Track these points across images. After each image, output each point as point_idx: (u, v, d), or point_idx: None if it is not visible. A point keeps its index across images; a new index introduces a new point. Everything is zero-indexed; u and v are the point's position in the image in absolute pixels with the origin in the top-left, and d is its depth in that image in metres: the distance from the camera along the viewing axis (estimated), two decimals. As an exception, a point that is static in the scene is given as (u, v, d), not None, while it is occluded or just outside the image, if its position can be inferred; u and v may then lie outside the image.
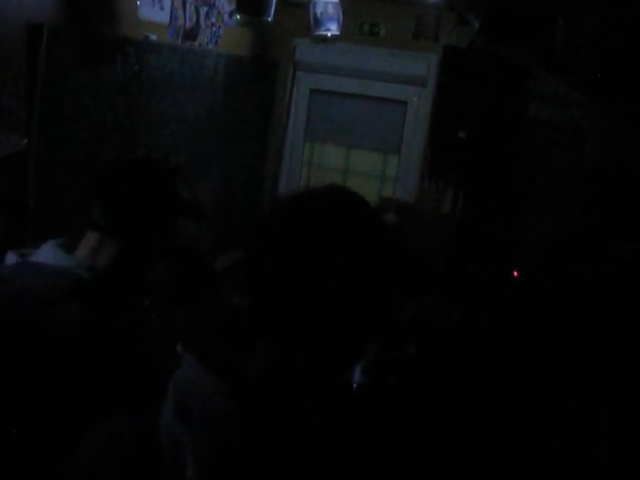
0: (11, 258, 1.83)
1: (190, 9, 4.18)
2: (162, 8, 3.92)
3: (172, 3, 3.99)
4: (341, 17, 4.30)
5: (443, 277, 4.48)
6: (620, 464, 2.76)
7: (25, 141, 3.00)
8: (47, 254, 1.71)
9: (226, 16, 4.58)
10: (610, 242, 3.82)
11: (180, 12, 4.08)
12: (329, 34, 4.32)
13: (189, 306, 2.26)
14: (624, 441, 2.79)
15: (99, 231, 1.71)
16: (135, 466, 1.02)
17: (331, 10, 4.29)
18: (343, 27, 4.36)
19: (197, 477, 0.95)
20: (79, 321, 1.57)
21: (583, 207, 4.58)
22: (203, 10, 4.33)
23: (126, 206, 1.73)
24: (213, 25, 4.48)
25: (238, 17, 3.71)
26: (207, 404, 0.99)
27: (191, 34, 4.25)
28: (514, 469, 2.88)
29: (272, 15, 3.60)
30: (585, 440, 2.88)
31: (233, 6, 4.22)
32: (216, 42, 4.57)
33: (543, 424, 3.01)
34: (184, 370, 1.05)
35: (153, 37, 3.88)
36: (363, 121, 5.84)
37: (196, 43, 4.34)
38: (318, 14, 4.30)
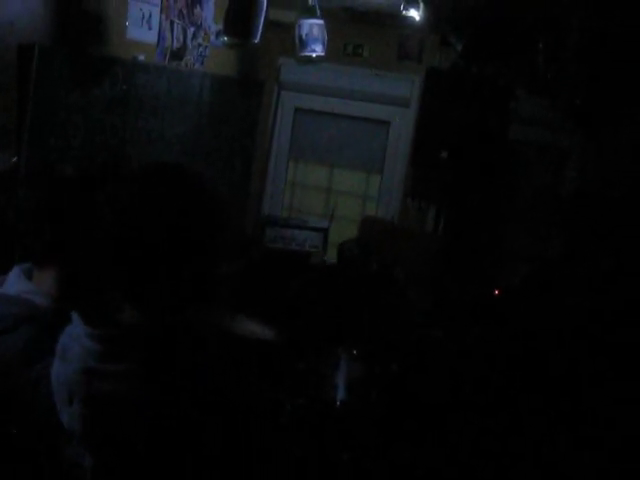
0: None
1: (177, 30, 4.22)
2: (150, 29, 3.96)
3: (160, 24, 4.04)
4: (326, 38, 4.36)
5: (426, 295, 4.52)
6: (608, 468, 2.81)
7: (15, 159, 3.02)
8: (9, 280, 1.73)
9: (212, 36, 4.64)
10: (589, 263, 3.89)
11: (167, 33, 4.13)
12: (314, 55, 4.37)
13: None
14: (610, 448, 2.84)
15: (32, 260, 1.72)
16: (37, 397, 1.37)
17: (316, 31, 4.35)
18: (328, 48, 4.41)
19: (68, 401, 1.24)
20: (22, 348, 1.59)
21: (563, 228, 4.65)
22: (190, 31, 4.38)
23: (49, 232, 1.69)
24: (200, 45, 4.53)
25: (225, 39, 3.75)
26: (79, 345, 1.26)
27: (178, 54, 4.30)
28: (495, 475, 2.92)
29: (259, 37, 3.65)
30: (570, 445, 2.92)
31: (220, 27, 4.27)
32: (202, 62, 4.62)
33: (522, 437, 3.06)
34: (70, 326, 1.33)
35: (141, 57, 3.92)
36: (346, 141, 5.90)
37: (183, 63, 4.39)
38: (303, 35, 4.35)
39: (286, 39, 4.93)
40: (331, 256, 5.20)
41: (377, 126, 5.83)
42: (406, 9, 4.24)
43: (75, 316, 1.34)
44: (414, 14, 4.27)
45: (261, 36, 3.73)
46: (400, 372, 3.68)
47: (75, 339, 1.29)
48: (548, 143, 5.13)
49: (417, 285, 4.58)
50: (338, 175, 6.00)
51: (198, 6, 4.42)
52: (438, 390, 3.44)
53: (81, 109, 3.39)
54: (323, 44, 4.38)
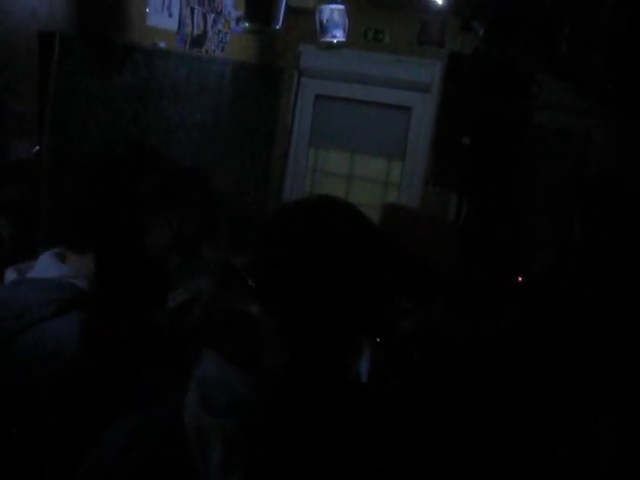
0: (10, 275, 1.78)
1: (198, 16, 4.21)
2: (170, 15, 3.95)
3: (180, 11, 4.02)
4: (347, 24, 4.33)
5: (448, 283, 4.49)
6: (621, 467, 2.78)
7: (37, 148, 3.03)
8: (44, 265, 1.71)
9: (233, 23, 4.62)
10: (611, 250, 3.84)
11: (188, 19, 4.12)
12: (335, 41, 4.35)
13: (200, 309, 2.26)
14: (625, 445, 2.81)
15: (69, 249, 1.71)
16: (154, 459, 1.10)
17: (337, 17, 4.32)
18: (348, 34, 4.38)
19: (224, 462, 1.05)
20: (77, 332, 1.58)
21: (584, 215, 4.60)
22: (210, 17, 4.36)
23: (82, 226, 1.72)
24: (220, 32, 4.51)
25: (246, 25, 3.73)
26: (231, 395, 1.08)
27: (199, 41, 4.29)
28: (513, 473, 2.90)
29: (280, 23, 3.62)
30: (586, 444, 2.90)
31: (240, 13, 4.25)
32: (223, 49, 4.61)
33: (546, 429, 3.03)
34: (205, 366, 1.13)
35: (161, 44, 3.91)
36: (367, 127, 5.86)
37: (203, 50, 4.37)
38: (324, 21, 4.33)
39: (306, 25, 4.90)
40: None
41: (398, 112, 5.79)
42: (427, -7, 4.20)
43: (211, 356, 1.15)
44: (436, -2, 4.24)
45: (282, 22, 3.71)
46: (422, 362, 3.66)
47: (222, 387, 1.09)
48: (571, 129, 5.08)
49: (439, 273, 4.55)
50: (359, 161, 5.97)
51: (218, -8, 4.41)
52: (461, 382, 3.42)
53: (102, 97, 3.38)
54: (344, 29, 4.36)
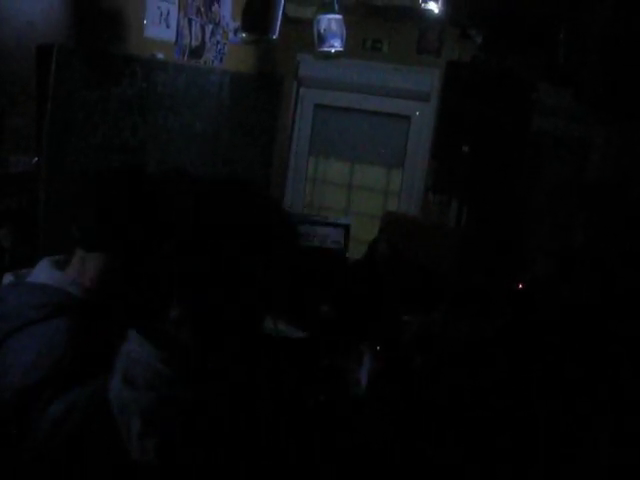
0: (7, 279, 1.84)
1: (196, 27, 4.22)
2: (168, 27, 3.96)
3: (178, 22, 4.04)
4: (344, 33, 4.33)
5: (449, 289, 4.50)
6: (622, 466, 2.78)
7: (35, 159, 3.03)
8: (41, 272, 1.74)
9: (231, 34, 4.63)
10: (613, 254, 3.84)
11: (186, 30, 4.13)
12: (333, 50, 4.35)
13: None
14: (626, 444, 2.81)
15: (80, 247, 1.73)
16: (87, 429, 1.19)
17: (335, 26, 4.33)
18: (346, 43, 4.39)
19: (142, 432, 1.13)
20: (64, 337, 1.61)
21: (586, 221, 4.60)
22: (208, 28, 4.38)
23: (101, 222, 1.73)
24: (218, 43, 4.53)
25: (243, 35, 3.74)
26: (148, 370, 1.16)
27: (197, 52, 4.30)
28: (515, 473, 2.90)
29: (277, 33, 3.63)
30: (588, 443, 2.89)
31: (238, 24, 4.26)
32: (221, 59, 4.62)
33: (547, 430, 3.03)
34: (128, 345, 1.21)
35: (160, 55, 3.92)
36: (367, 136, 5.88)
37: (202, 61, 4.39)
38: (322, 30, 4.33)
39: (305, 35, 4.91)
40: (353, 252, 5.19)
41: (397, 121, 5.80)
42: (425, 2, 4.21)
43: (134, 335, 1.23)
44: (433, 7, 4.24)
45: (279, 32, 3.72)
46: (425, 366, 3.66)
47: (141, 363, 1.17)
48: (570, 135, 5.09)
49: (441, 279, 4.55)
50: (359, 170, 5.98)
51: (216, 3, 4.42)
52: (463, 385, 3.42)
53: (100, 108, 3.39)
54: (342, 39, 4.36)
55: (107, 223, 1.73)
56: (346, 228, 5.11)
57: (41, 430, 1.22)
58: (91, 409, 1.20)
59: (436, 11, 4.33)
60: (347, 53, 4.60)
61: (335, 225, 5.12)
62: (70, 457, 1.18)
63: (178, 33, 4.06)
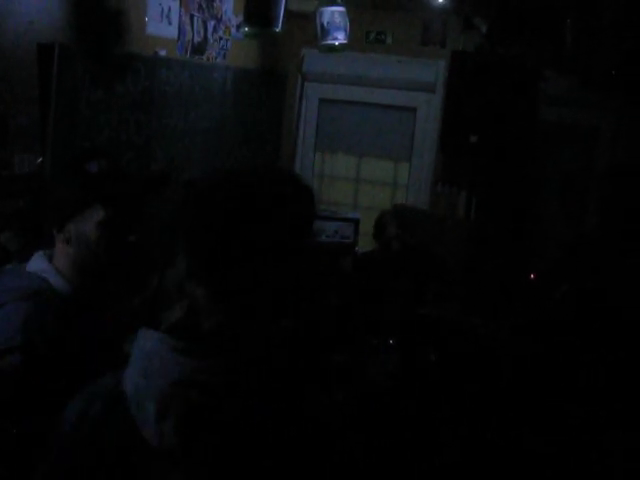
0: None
1: (198, 23, 4.19)
2: (170, 24, 3.93)
3: (180, 18, 4.00)
4: (348, 26, 4.30)
5: (460, 280, 4.47)
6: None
7: (39, 160, 3.01)
8: (33, 261, 1.93)
9: (233, 29, 4.60)
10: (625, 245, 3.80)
11: (188, 27, 4.10)
12: (336, 43, 4.31)
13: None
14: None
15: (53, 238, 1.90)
16: (107, 419, 1.21)
17: (338, 19, 4.29)
18: (350, 36, 4.35)
19: (158, 416, 1.14)
20: (20, 317, 1.75)
21: (597, 208, 4.56)
22: (210, 24, 4.34)
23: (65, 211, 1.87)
24: (221, 39, 4.49)
25: (246, 29, 3.70)
26: (165, 361, 1.17)
27: (199, 48, 4.27)
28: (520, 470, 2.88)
29: (280, 26, 3.60)
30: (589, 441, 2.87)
31: (240, 20, 4.23)
32: (224, 55, 4.59)
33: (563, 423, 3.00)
34: (141, 341, 1.22)
35: (162, 52, 3.89)
36: (373, 129, 5.84)
37: (204, 57, 4.35)
38: (325, 23, 4.30)
39: (308, 29, 4.88)
40: (363, 246, 5.16)
41: (404, 113, 5.77)
42: (428, -9, 4.17)
43: (146, 330, 1.24)
44: (437, -4, 4.20)
45: (282, 26, 3.68)
46: (438, 361, 3.63)
47: (157, 355, 1.18)
48: (580, 121, 5.04)
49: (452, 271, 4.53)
50: (366, 164, 5.95)
51: (217, -1, 4.39)
52: (475, 379, 3.39)
53: (104, 107, 3.36)
54: (345, 31, 4.33)
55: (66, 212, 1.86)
56: (356, 222, 5.08)
57: (68, 423, 1.25)
58: (110, 401, 1.21)
59: (440, 1, 4.29)
60: (351, 46, 4.56)
61: (345, 220, 5.09)
62: (93, 450, 1.20)
63: (180, 30, 4.03)
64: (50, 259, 1.90)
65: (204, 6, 4.24)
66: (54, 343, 1.76)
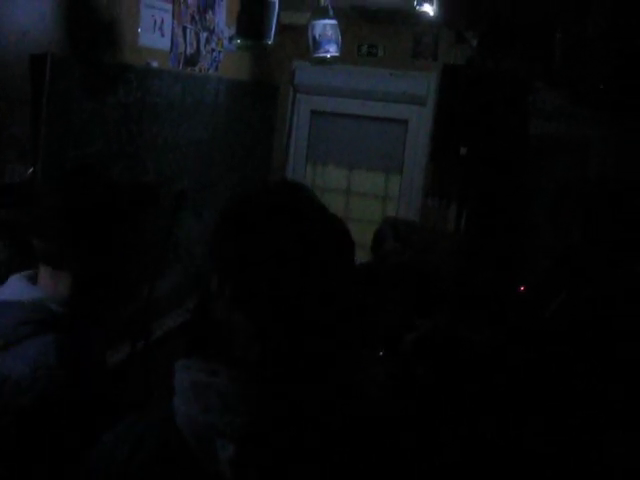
0: None
1: (190, 35, 4.20)
2: (162, 35, 3.94)
3: (172, 30, 4.02)
4: (340, 39, 4.31)
5: (450, 292, 4.47)
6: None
7: (31, 170, 3.01)
8: (13, 288, 1.68)
9: (226, 41, 4.62)
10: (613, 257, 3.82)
11: (180, 39, 4.11)
12: (328, 55, 4.32)
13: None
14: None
15: (46, 264, 1.67)
16: (159, 460, 1.15)
17: (329, 32, 4.31)
18: (342, 49, 4.37)
19: (236, 458, 1.09)
20: (55, 352, 1.56)
21: (586, 221, 4.58)
22: (203, 36, 4.36)
23: (64, 237, 1.67)
24: (213, 50, 4.51)
25: (238, 41, 3.71)
26: (222, 392, 1.11)
27: (192, 60, 4.28)
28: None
29: (272, 38, 3.61)
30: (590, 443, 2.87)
31: (232, 31, 4.24)
32: (217, 67, 4.60)
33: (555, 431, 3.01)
34: (188, 374, 1.16)
35: (154, 64, 3.90)
36: (364, 141, 5.86)
37: (197, 68, 4.37)
38: (317, 36, 4.31)
39: (300, 42, 4.90)
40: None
41: (395, 125, 5.79)
42: (420, 5, 4.19)
43: (184, 362, 1.19)
44: (428, 9, 4.22)
45: (275, 39, 3.69)
46: (428, 375, 3.63)
47: (210, 386, 1.13)
48: (569, 136, 5.07)
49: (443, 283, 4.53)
50: (357, 176, 5.96)
51: (210, 11, 4.40)
52: (466, 391, 3.39)
53: (96, 118, 3.36)
54: (337, 44, 4.34)
55: (74, 242, 1.67)
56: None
57: (113, 463, 1.17)
58: (163, 438, 1.16)
59: (431, 14, 4.31)
60: (343, 59, 4.58)
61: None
62: None
63: (173, 41, 4.04)
64: (33, 282, 1.70)
65: (197, 18, 4.25)
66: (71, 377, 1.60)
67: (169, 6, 3.96)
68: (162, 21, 3.92)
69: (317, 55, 4.37)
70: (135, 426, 1.21)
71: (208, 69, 4.50)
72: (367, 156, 5.86)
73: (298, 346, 1.19)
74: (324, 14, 4.30)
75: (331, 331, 1.24)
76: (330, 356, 1.24)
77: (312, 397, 1.16)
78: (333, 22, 4.32)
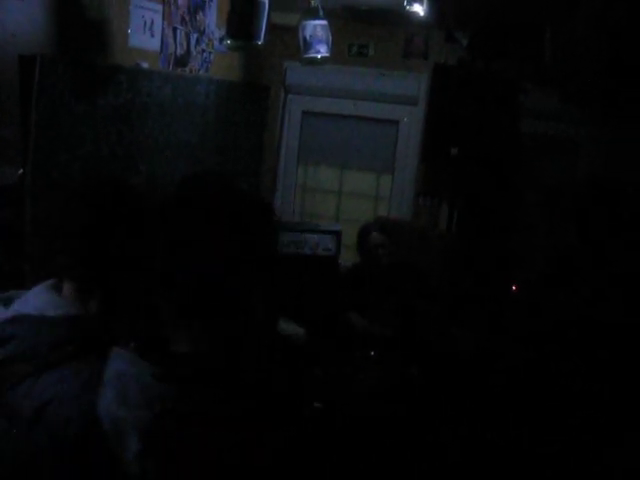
0: None
1: (180, 36, 4.20)
2: (153, 36, 3.93)
3: (162, 31, 4.01)
4: (330, 39, 4.31)
5: (441, 292, 4.48)
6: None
7: (20, 171, 3.00)
8: (40, 300, 1.53)
9: (216, 42, 4.61)
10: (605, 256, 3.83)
11: (171, 39, 4.10)
12: (319, 56, 4.32)
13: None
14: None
15: (75, 281, 1.55)
16: (82, 446, 1.17)
17: (320, 32, 4.31)
18: (332, 49, 4.37)
19: (141, 452, 1.09)
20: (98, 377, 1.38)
21: (576, 221, 4.59)
22: (193, 37, 4.35)
23: (94, 254, 1.55)
24: (204, 51, 4.50)
25: (228, 42, 3.71)
26: (145, 388, 1.13)
27: (182, 61, 4.27)
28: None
29: (262, 39, 3.61)
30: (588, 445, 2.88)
31: (223, 32, 4.24)
32: (207, 68, 4.59)
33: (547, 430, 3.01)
34: (116, 364, 1.18)
35: (144, 65, 3.89)
36: (355, 142, 5.86)
37: (187, 69, 4.36)
38: (307, 37, 4.31)
39: (290, 43, 4.90)
40: (346, 258, 5.17)
41: (386, 126, 5.79)
42: (410, 5, 4.19)
43: (121, 353, 1.19)
44: (418, 9, 4.22)
45: (265, 40, 3.70)
46: (420, 374, 3.64)
47: (135, 381, 1.14)
48: (560, 134, 5.08)
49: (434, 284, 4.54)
50: (348, 177, 5.97)
51: (200, 12, 4.40)
52: (459, 392, 3.39)
53: (86, 119, 3.35)
54: (328, 44, 4.34)
55: (101, 259, 1.55)
56: (337, 234, 5.09)
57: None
58: (84, 428, 1.17)
59: (421, 14, 4.30)
60: (333, 59, 4.58)
61: (326, 232, 5.10)
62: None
63: (163, 42, 4.03)
64: (59, 294, 1.54)
65: (187, 19, 4.25)
66: None
67: (159, 7, 3.96)
68: (152, 22, 3.91)
69: (308, 55, 4.37)
70: (60, 406, 1.25)
71: (198, 70, 4.49)
72: (358, 156, 5.87)
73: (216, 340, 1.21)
74: (315, 14, 4.31)
75: (248, 324, 1.25)
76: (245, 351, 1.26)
77: (219, 396, 1.16)
78: (324, 22, 4.32)
